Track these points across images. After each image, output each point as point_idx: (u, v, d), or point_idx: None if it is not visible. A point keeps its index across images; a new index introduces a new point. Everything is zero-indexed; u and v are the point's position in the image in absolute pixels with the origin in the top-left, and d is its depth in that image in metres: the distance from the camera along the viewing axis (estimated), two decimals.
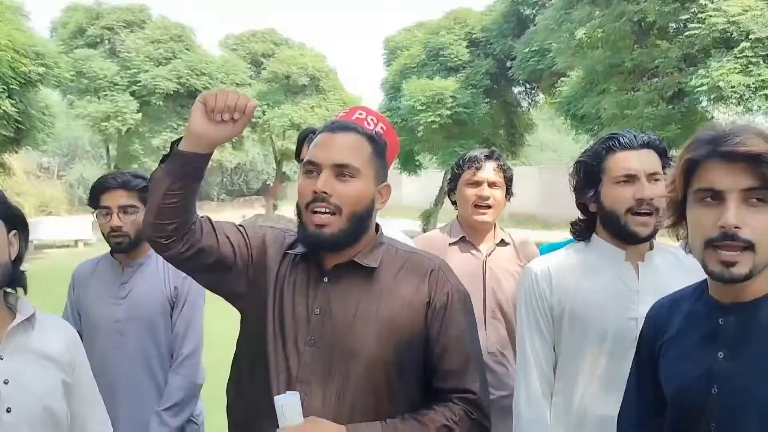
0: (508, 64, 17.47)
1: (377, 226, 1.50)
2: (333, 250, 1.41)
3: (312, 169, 1.41)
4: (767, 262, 1.15)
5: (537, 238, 6.33)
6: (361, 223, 1.41)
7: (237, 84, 23.89)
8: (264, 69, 23.82)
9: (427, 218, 19.98)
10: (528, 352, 1.75)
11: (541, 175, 23.95)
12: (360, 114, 1.98)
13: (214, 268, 1.45)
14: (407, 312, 1.38)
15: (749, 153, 1.10)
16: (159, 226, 1.38)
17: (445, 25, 19.12)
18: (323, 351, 1.36)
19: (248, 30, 26.12)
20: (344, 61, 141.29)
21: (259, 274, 1.47)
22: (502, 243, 2.34)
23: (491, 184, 2.25)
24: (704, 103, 11.60)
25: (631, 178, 1.68)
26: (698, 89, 10.48)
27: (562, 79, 14.53)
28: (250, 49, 25.51)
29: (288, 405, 1.27)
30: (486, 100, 17.85)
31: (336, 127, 1.46)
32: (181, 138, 1.39)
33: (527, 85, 19.23)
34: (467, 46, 18.42)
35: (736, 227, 1.12)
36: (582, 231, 1.82)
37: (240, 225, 1.54)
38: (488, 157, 2.28)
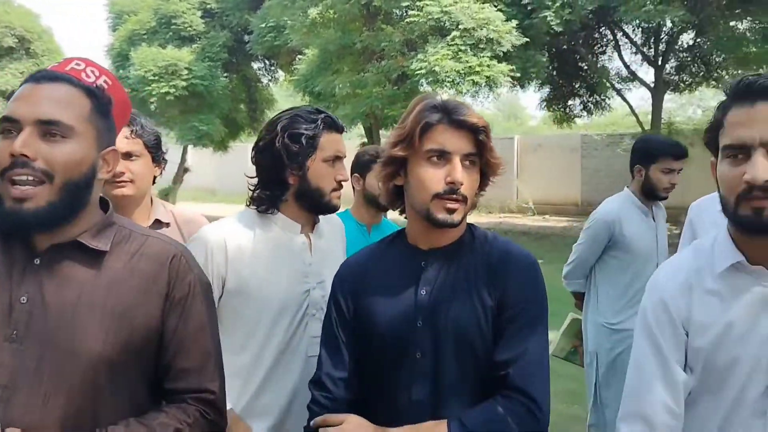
0: (246, 38, 17.21)
1: (107, 203, 1.28)
2: (39, 230, 1.16)
3: (10, 128, 1.15)
4: (467, 212, 1.42)
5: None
6: (79, 194, 1.18)
7: None
8: None
9: (165, 197, 18.91)
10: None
11: None
12: (77, 65, 1.61)
13: None
14: (141, 304, 1.21)
15: (474, 125, 1.36)
16: None
17: None
18: (30, 349, 1.14)
19: None
20: (62, 22, 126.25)
21: None
22: (158, 223, 2.07)
23: (126, 156, 1.92)
24: (424, 86, 12.73)
25: (339, 159, 1.76)
26: (418, 72, 11.50)
27: (299, 56, 14.75)
28: None
29: None
30: (225, 74, 17.44)
31: (42, 76, 1.20)
32: None
33: (266, 61, 19.20)
34: (202, 16, 17.72)
35: (461, 183, 1.36)
36: (270, 202, 1.76)
37: None
38: (126, 125, 1.94)
